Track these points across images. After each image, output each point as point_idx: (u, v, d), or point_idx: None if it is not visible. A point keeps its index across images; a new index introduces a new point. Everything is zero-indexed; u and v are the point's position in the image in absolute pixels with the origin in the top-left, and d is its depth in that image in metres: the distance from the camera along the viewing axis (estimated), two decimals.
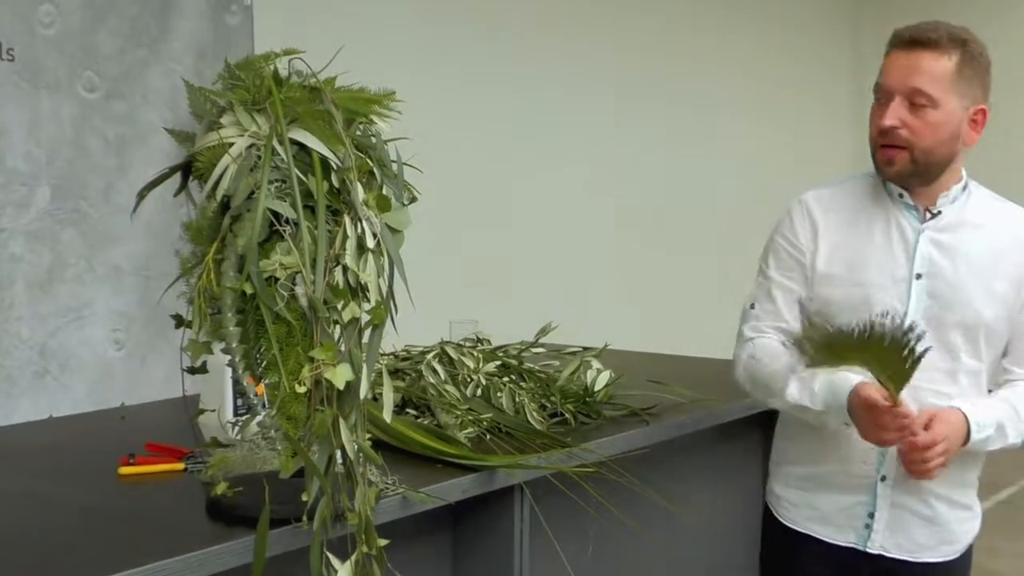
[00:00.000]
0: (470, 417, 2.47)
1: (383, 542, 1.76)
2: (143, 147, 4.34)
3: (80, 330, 4.25)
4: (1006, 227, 2.34)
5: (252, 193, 1.63)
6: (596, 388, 2.72)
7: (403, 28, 5.71)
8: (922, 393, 2.24)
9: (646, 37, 7.41)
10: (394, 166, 1.79)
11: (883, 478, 2.34)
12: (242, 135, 1.68)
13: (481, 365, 2.66)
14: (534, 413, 2.55)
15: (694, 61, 7.82)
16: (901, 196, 2.35)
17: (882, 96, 2.28)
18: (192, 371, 1.83)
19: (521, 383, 2.66)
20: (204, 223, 1.69)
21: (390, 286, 1.74)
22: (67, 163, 4.17)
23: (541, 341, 3.00)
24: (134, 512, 2.03)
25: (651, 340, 3.85)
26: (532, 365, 2.80)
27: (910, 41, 2.26)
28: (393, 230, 1.75)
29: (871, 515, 2.37)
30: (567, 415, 2.62)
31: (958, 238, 2.31)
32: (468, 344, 2.83)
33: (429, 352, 2.73)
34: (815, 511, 2.46)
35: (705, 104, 7.86)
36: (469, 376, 2.63)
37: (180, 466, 2.25)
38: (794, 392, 2.33)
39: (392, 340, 1.89)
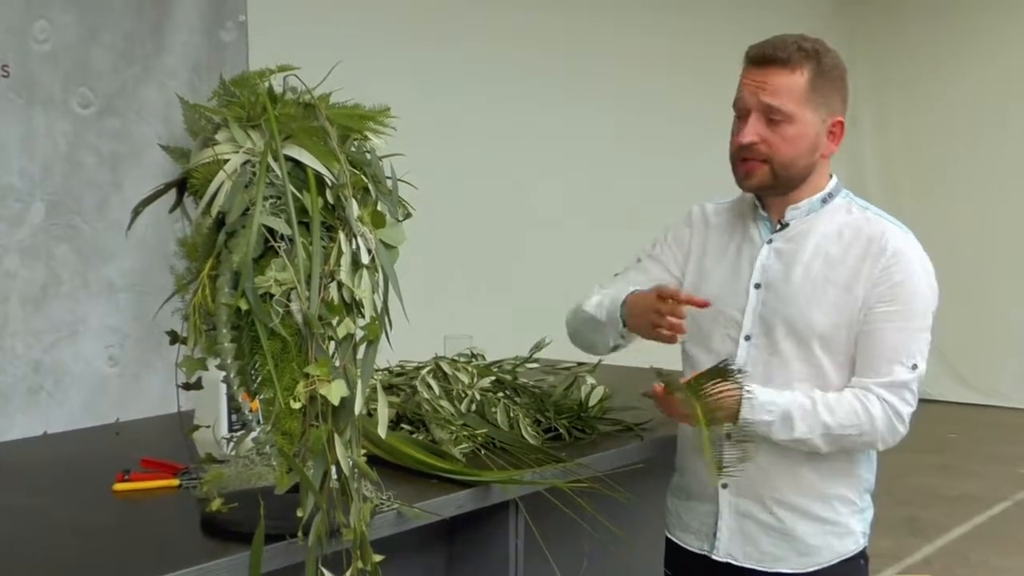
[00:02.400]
0: (465, 432, 2.47)
1: (378, 558, 1.76)
2: (137, 163, 4.35)
3: (74, 346, 4.25)
4: (856, 236, 2.30)
5: (247, 209, 1.64)
6: (590, 403, 2.72)
7: (398, 44, 5.73)
8: None
9: (646, 52, 7.43)
10: (388, 182, 1.80)
11: (724, 485, 2.36)
12: (237, 151, 1.68)
13: (475, 380, 2.66)
14: (528, 428, 2.55)
15: (695, 76, 7.84)
16: (757, 207, 2.39)
17: (740, 112, 2.30)
18: (187, 387, 1.83)
19: (515, 398, 2.66)
20: (199, 239, 1.69)
21: (385, 302, 1.75)
22: (61, 179, 4.18)
23: (535, 356, 3.00)
24: (129, 528, 2.03)
25: (645, 356, 3.84)
26: (526, 380, 2.80)
27: (759, 58, 2.28)
28: (388, 246, 1.75)
29: (716, 523, 2.40)
30: (561, 430, 2.62)
31: (800, 247, 2.32)
32: (462, 359, 2.83)
33: (424, 367, 2.73)
34: (680, 519, 2.53)
35: (707, 120, 7.85)
36: (464, 391, 2.63)
37: (175, 482, 2.24)
38: (591, 303, 2.47)
39: (387, 355, 1.89)
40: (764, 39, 2.33)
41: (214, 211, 1.66)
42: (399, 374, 2.81)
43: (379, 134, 1.79)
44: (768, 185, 2.31)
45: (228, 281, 1.63)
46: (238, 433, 2.32)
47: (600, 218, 7.03)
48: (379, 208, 1.75)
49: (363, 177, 1.74)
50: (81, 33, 4.22)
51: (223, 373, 1.67)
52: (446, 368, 2.70)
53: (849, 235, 2.32)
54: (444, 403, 2.57)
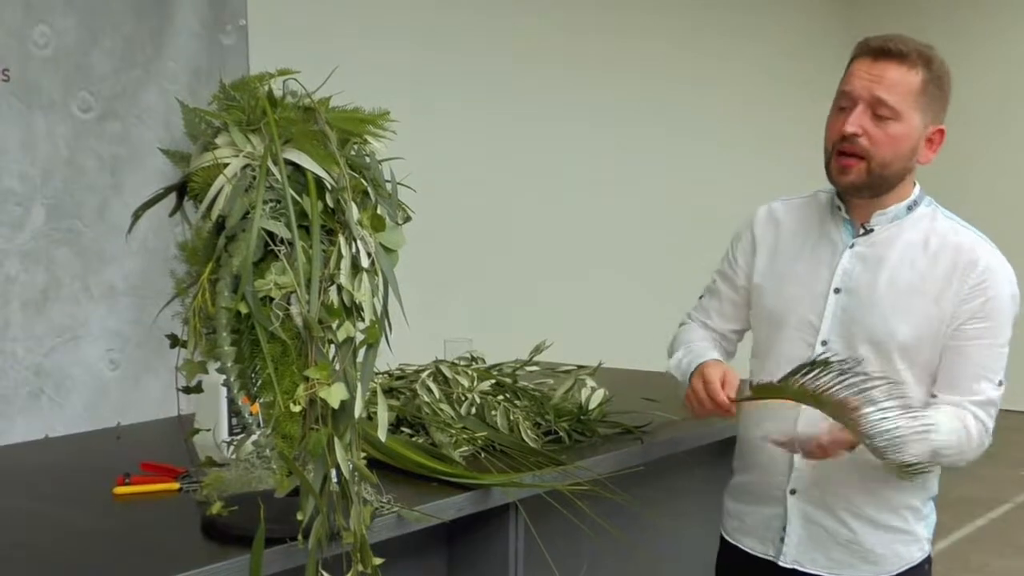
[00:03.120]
0: (464, 435, 2.47)
1: (378, 561, 1.76)
2: (138, 167, 4.35)
3: (75, 350, 4.25)
4: (943, 248, 2.26)
5: (247, 213, 1.64)
6: (590, 406, 2.72)
7: (397, 48, 5.73)
8: None
9: (646, 60, 7.43)
10: (388, 186, 1.80)
11: (792, 491, 2.34)
12: (237, 155, 1.68)
13: (475, 384, 2.66)
14: (528, 431, 2.55)
15: (693, 85, 7.85)
16: (839, 209, 2.33)
17: (845, 102, 2.24)
18: (187, 391, 1.83)
19: (515, 401, 2.66)
20: (199, 243, 1.69)
21: (384, 305, 1.75)
22: (62, 183, 4.18)
23: (535, 359, 3.00)
24: (129, 532, 2.03)
25: (645, 358, 3.85)
26: (526, 383, 2.80)
27: (878, 50, 2.22)
28: (387, 249, 1.75)
29: (784, 528, 2.36)
30: (561, 433, 2.62)
31: (886, 254, 2.28)
32: (462, 363, 2.84)
33: (424, 371, 2.73)
34: (741, 522, 2.48)
35: (704, 127, 7.88)
36: (464, 395, 2.63)
37: (175, 485, 2.25)
38: (673, 360, 2.47)
39: (387, 359, 1.89)
40: (877, 35, 2.27)
41: (214, 215, 1.66)
42: (399, 377, 2.81)
43: (378, 138, 1.79)
44: (862, 184, 2.24)
45: (228, 285, 1.63)
46: (238, 436, 2.32)
47: (600, 221, 7.03)
48: (379, 212, 1.75)
49: (363, 181, 1.74)
50: (81, 37, 4.22)
51: (223, 376, 1.67)
52: (446, 371, 2.71)
53: (936, 245, 2.26)
54: (444, 406, 2.58)
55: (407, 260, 1.80)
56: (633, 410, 2.82)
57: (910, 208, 2.31)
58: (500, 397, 2.65)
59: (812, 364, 2.14)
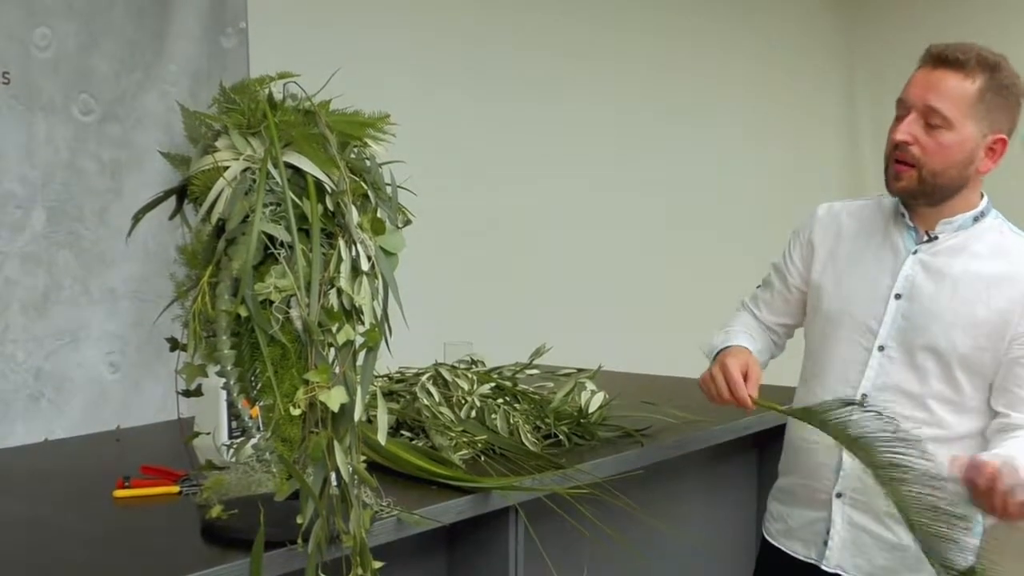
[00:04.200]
0: (464, 439, 2.47)
1: (378, 564, 1.76)
2: (138, 170, 4.34)
3: (75, 353, 4.24)
4: (1012, 262, 2.26)
5: (247, 216, 1.64)
6: (590, 409, 2.72)
7: (398, 51, 5.73)
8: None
9: (647, 59, 7.43)
10: (388, 189, 1.80)
11: (839, 495, 2.34)
12: (237, 158, 1.68)
13: (475, 387, 2.66)
14: (528, 435, 2.55)
15: (695, 84, 7.84)
16: (903, 216, 2.33)
17: (901, 110, 2.25)
18: (187, 394, 1.83)
19: (515, 405, 2.66)
20: (199, 246, 1.69)
21: (384, 308, 1.75)
22: (62, 186, 4.17)
23: (535, 363, 3.00)
24: (129, 535, 2.03)
25: (646, 361, 3.85)
26: (526, 387, 2.80)
27: (937, 58, 2.22)
28: (387, 252, 1.75)
29: (828, 532, 2.36)
30: (561, 437, 2.62)
31: (949, 263, 2.27)
32: (462, 366, 2.83)
33: (423, 374, 2.73)
34: (785, 525, 2.48)
35: (705, 127, 7.87)
36: (463, 398, 2.63)
37: (175, 489, 2.25)
38: (712, 339, 2.54)
39: (386, 362, 1.89)
40: (944, 43, 2.27)
41: (214, 218, 1.66)
42: (399, 380, 2.81)
43: (379, 141, 1.79)
44: (914, 191, 2.25)
45: (228, 288, 1.63)
46: (238, 440, 2.32)
47: (602, 224, 7.02)
48: (379, 215, 1.75)
49: (363, 184, 1.74)
50: (82, 40, 4.22)
51: (223, 380, 1.67)
52: (446, 374, 2.71)
53: (1004, 259, 2.26)
54: (444, 409, 2.58)
55: (407, 263, 1.80)
56: (633, 413, 2.82)
57: (976, 219, 2.30)
58: (500, 400, 2.65)
59: (847, 403, 2.17)
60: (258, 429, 1.76)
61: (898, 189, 2.27)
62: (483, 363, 2.92)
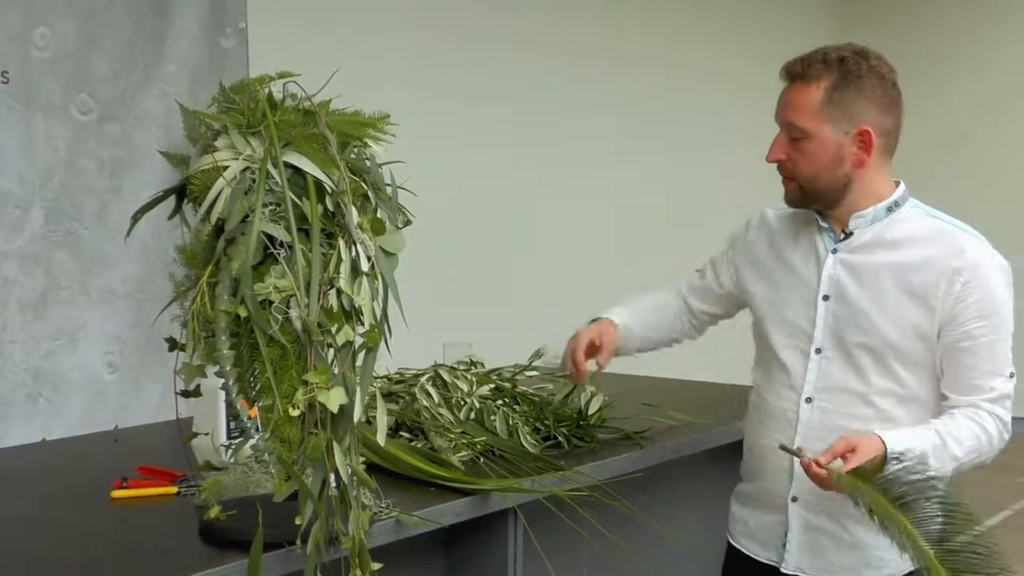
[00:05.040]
0: (464, 440, 2.47)
1: (377, 566, 1.75)
2: (137, 170, 4.34)
3: (73, 353, 4.24)
4: (929, 247, 2.25)
5: (246, 216, 1.63)
6: (590, 411, 2.72)
7: (398, 51, 5.73)
8: (832, 415, 2.27)
9: (647, 61, 7.43)
10: (388, 189, 1.80)
11: (794, 499, 2.34)
12: (236, 158, 1.68)
13: (475, 388, 2.66)
14: (528, 436, 2.55)
15: (695, 85, 7.84)
16: (817, 218, 2.37)
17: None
18: (186, 394, 1.82)
19: (515, 406, 2.66)
20: (198, 246, 1.69)
21: (384, 309, 1.74)
22: (61, 185, 4.17)
23: (535, 364, 2.99)
24: (127, 536, 2.03)
25: (645, 364, 3.84)
26: (526, 388, 2.80)
27: (787, 74, 2.29)
28: (387, 253, 1.75)
29: (786, 534, 2.36)
30: (561, 438, 2.62)
31: (868, 259, 2.29)
32: (462, 367, 2.83)
33: (423, 375, 2.73)
34: (746, 526, 2.48)
35: (705, 129, 7.87)
36: (463, 399, 2.63)
37: (173, 489, 2.24)
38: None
39: (386, 363, 1.89)
40: (799, 55, 2.31)
41: (213, 218, 1.66)
42: (398, 381, 2.81)
43: (379, 141, 1.79)
44: (800, 200, 2.31)
45: (227, 288, 1.63)
46: (237, 440, 2.31)
47: (603, 225, 7.03)
48: (379, 215, 1.75)
49: (363, 184, 1.74)
50: (81, 40, 4.22)
51: (222, 380, 1.67)
52: (445, 376, 2.70)
53: (923, 245, 2.26)
54: (443, 411, 2.57)
55: (407, 264, 1.80)
56: (633, 415, 2.82)
57: (890, 209, 2.31)
58: (499, 402, 2.65)
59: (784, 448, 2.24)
60: (257, 430, 1.76)
61: (788, 201, 2.34)
62: (482, 364, 2.91)
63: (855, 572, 2.33)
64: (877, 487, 2.09)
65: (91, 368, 4.30)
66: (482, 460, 2.43)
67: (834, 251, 2.32)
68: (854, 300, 2.28)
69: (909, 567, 2.30)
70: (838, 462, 2.12)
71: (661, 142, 7.55)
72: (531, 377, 2.97)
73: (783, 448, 2.24)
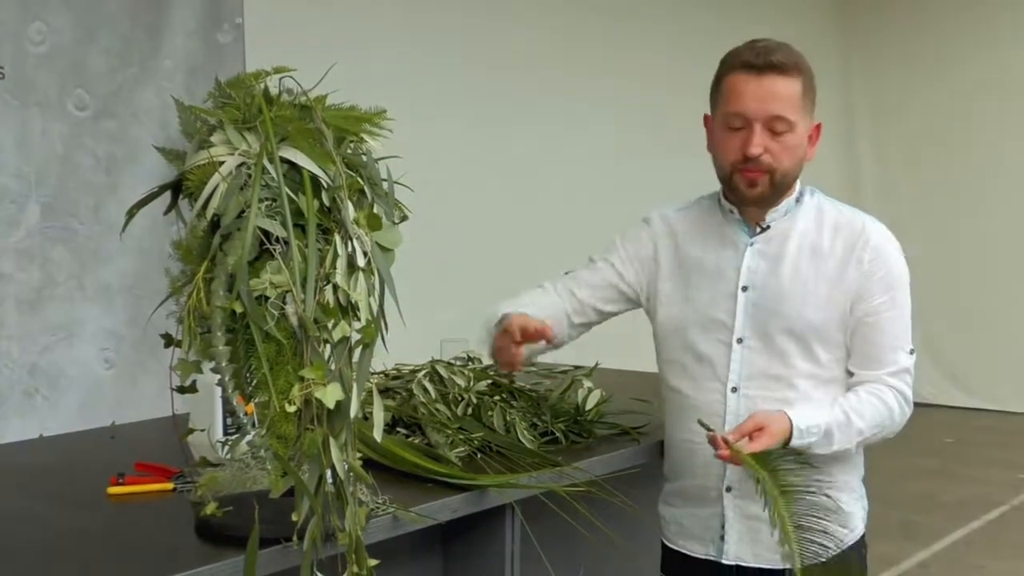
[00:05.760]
0: (461, 436, 2.46)
1: (373, 562, 1.75)
2: (133, 165, 4.34)
3: (70, 349, 4.24)
4: (836, 232, 2.34)
5: (242, 212, 1.63)
6: (587, 407, 2.72)
7: (394, 46, 5.72)
8: (758, 402, 2.31)
9: (645, 60, 7.43)
10: (385, 184, 1.79)
11: (728, 488, 2.36)
12: (232, 154, 1.67)
13: (472, 384, 2.66)
14: (525, 432, 2.54)
15: (695, 85, 7.81)
16: (732, 212, 2.40)
17: (738, 123, 2.29)
18: (181, 390, 1.82)
19: (512, 402, 2.66)
20: (194, 242, 1.68)
21: (381, 304, 1.74)
22: (57, 181, 4.17)
23: (533, 360, 2.99)
24: (123, 532, 2.02)
25: (642, 360, 3.84)
26: (523, 384, 2.80)
27: (764, 66, 2.27)
28: (384, 248, 1.75)
29: (723, 527, 2.38)
30: (558, 434, 2.62)
31: (783, 247, 2.35)
32: (459, 363, 2.83)
33: (420, 371, 2.72)
34: (680, 526, 2.49)
35: (698, 131, 7.87)
36: (460, 395, 2.62)
37: (169, 486, 2.24)
38: (497, 308, 2.46)
39: (382, 359, 1.88)
40: (745, 44, 2.35)
41: (209, 213, 1.65)
42: (395, 377, 2.81)
43: (375, 136, 1.78)
44: (768, 195, 2.33)
45: (223, 284, 1.62)
46: (233, 436, 2.31)
47: (600, 222, 7.02)
48: (375, 210, 1.74)
49: (359, 179, 1.74)
50: (77, 35, 4.21)
51: (218, 376, 1.66)
52: (442, 371, 2.70)
53: (829, 230, 2.35)
54: (440, 407, 2.57)
55: (404, 259, 1.79)
56: (630, 411, 2.82)
57: (798, 199, 2.39)
58: (496, 398, 2.64)
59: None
60: (253, 426, 1.75)
61: (755, 196, 2.32)
62: (480, 360, 2.91)
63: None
64: (772, 468, 2.17)
65: (87, 364, 4.30)
66: (479, 456, 2.42)
67: (751, 243, 2.37)
68: (775, 288, 2.33)
69: (846, 543, 2.37)
70: (743, 441, 2.18)
71: (659, 141, 7.55)
72: (528, 373, 2.97)
73: (700, 423, 2.28)
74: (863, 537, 2.46)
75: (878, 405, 2.30)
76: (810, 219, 2.37)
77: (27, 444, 3.06)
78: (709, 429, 2.25)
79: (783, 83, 2.26)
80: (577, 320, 2.55)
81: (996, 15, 9.30)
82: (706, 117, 2.45)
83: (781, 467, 2.17)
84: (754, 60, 2.28)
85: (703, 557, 2.44)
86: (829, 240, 2.34)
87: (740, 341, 2.34)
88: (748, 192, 2.32)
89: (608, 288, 2.55)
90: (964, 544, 5.89)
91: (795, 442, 2.22)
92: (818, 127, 2.36)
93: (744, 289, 2.35)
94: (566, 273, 2.64)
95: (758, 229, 2.37)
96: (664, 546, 2.56)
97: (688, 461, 2.43)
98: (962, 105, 9.21)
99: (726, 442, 2.18)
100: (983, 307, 8.98)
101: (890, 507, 5.90)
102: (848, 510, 2.40)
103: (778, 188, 2.32)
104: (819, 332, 2.32)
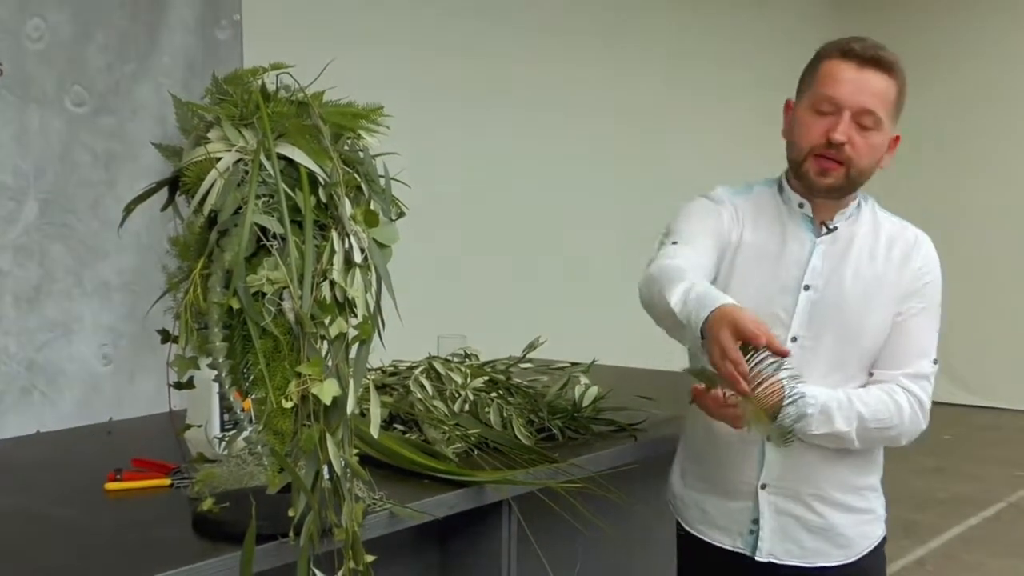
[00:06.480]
0: (457, 432, 2.47)
1: (370, 558, 1.75)
2: (131, 161, 4.34)
3: (68, 345, 4.24)
4: (892, 240, 2.34)
5: (239, 208, 1.63)
6: (584, 403, 2.72)
7: (392, 42, 5.72)
8: None
9: (643, 53, 7.43)
10: (382, 181, 1.79)
11: (763, 486, 2.34)
12: (229, 150, 1.67)
13: (469, 380, 2.66)
14: (522, 428, 2.54)
15: (694, 85, 7.85)
16: (801, 207, 2.35)
17: (827, 107, 2.24)
18: (179, 386, 1.82)
19: (509, 398, 2.66)
20: (191, 238, 1.68)
21: (377, 301, 1.74)
22: (55, 177, 4.17)
23: (529, 356, 2.99)
24: (120, 528, 2.02)
25: (640, 356, 3.85)
26: (520, 380, 2.80)
27: (868, 59, 2.24)
28: (381, 245, 1.75)
29: (755, 521, 2.35)
30: (555, 431, 2.62)
31: (847, 250, 2.32)
32: (456, 359, 2.83)
33: (417, 367, 2.72)
34: (702, 512, 2.45)
35: (704, 129, 7.88)
36: (457, 391, 2.62)
37: (167, 482, 2.24)
38: (676, 292, 2.09)
39: (379, 355, 1.89)
40: (849, 36, 2.29)
41: (206, 209, 1.65)
42: (392, 374, 2.81)
43: (372, 132, 1.78)
44: (839, 187, 2.28)
45: (220, 280, 1.63)
46: (230, 432, 2.31)
47: (595, 219, 7.03)
48: (372, 207, 1.74)
49: (356, 176, 1.74)
50: (75, 31, 4.21)
51: (215, 372, 1.66)
52: (439, 368, 2.70)
53: (885, 237, 2.34)
54: (437, 403, 2.57)
55: (401, 256, 1.79)
56: (627, 407, 2.82)
57: (859, 206, 2.38)
58: (493, 394, 2.64)
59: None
60: (250, 422, 1.75)
61: (824, 185, 2.27)
62: (477, 357, 2.91)
63: (826, 555, 2.36)
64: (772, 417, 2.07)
65: (85, 360, 4.30)
66: (476, 452, 2.43)
67: (817, 243, 2.33)
68: (836, 291, 2.30)
69: (873, 541, 2.42)
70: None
71: (660, 140, 7.56)
72: (525, 369, 2.97)
73: (688, 372, 2.20)
74: (885, 535, 2.48)
75: (886, 400, 2.27)
76: (867, 223, 2.36)
77: (24, 440, 3.06)
78: (711, 382, 2.09)
79: (882, 80, 2.24)
80: None
81: (992, 17, 9.31)
82: (788, 103, 2.37)
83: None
84: (859, 50, 2.24)
85: (729, 548, 2.40)
86: (886, 248, 2.33)
87: (794, 340, 2.29)
88: (817, 180, 2.27)
89: (710, 268, 2.34)
90: (961, 541, 5.89)
91: (788, 409, 2.07)
92: (897, 139, 2.32)
93: (806, 288, 2.31)
94: (674, 244, 2.34)
95: (824, 229, 2.34)
96: (684, 531, 2.50)
97: (724, 452, 2.38)
98: (960, 105, 9.22)
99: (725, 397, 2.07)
100: (982, 305, 8.99)
101: (888, 504, 5.90)
102: (872, 508, 2.42)
103: (849, 184, 2.28)
104: (873, 338, 2.30)
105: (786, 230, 2.36)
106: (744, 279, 2.35)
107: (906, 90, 2.29)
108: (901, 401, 2.27)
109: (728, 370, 1.94)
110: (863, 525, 2.40)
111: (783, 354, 1.99)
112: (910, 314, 2.31)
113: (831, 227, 2.34)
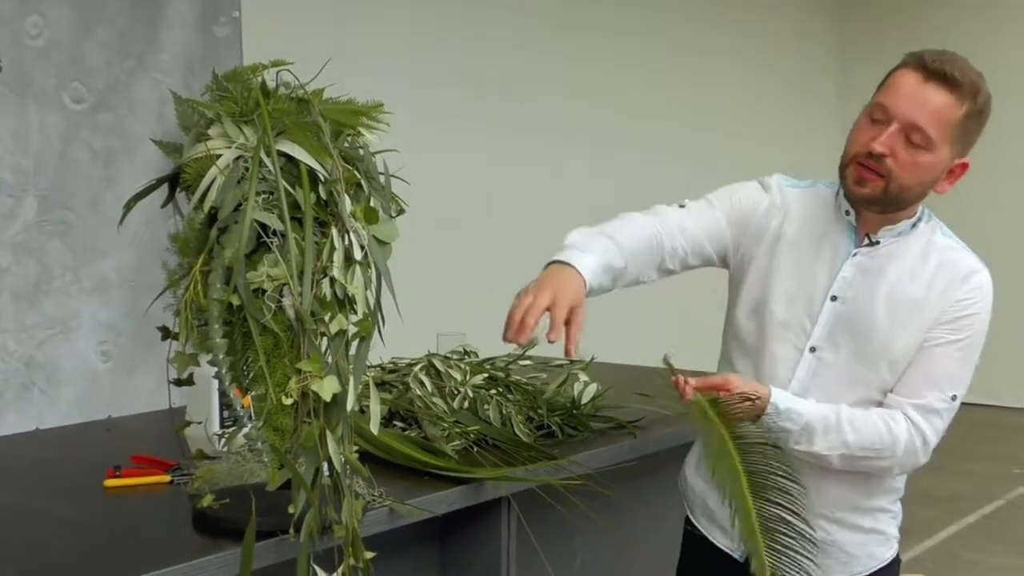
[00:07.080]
0: (457, 429, 2.47)
1: (370, 555, 1.75)
2: (130, 158, 4.33)
3: (67, 342, 4.24)
4: (940, 267, 2.21)
5: (239, 205, 1.63)
6: (583, 401, 2.72)
7: (392, 39, 5.72)
8: None
9: (645, 61, 7.43)
10: (382, 178, 1.79)
11: None
12: (229, 147, 1.67)
13: (468, 377, 2.66)
14: (521, 426, 2.54)
15: (694, 85, 7.85)
16: (848, 214, 2.26)
17: (880, 115, 2.14)
18: (178, 383, 1.82)
19: (508, 396, 2.66)
20: (191, 235, 1.68)
21: (377, 298, 1.74)
22: (54, 174, 4.16)
23: (528, 354, 2.99)
24: (119, 525, 2.02)
25: (639, 354, 3.84)
26: (519, 377, 2.80)
27: (933, 72, 2.11)
28: (381, 242, 1.75)
29: None
30: (554, 428, 2.62)
31: (885, 267, 2.22)
32: (455, 356, 2.83)
33: (416, 364, 2.73)
34: (705, 505, 2.42)
35: (703, 129, 7.88)
36: (456, 388, 2.62)
37: (166, 478, 2.24)
38: (580, 231, 2.36)
39: (379, 352, 1.89)
40: (933, 50, 2.16)
41: (206, 206, 1.65)
42: (392, 371, 2.81)
43: (372, 129, 1.78)
44: (874, 199, 2.16)
45: (220, 277, 1.63)
46: (230, 429, 2.31)
47: (595, 215, 7.03)
48: (372, 204, 1.75)
49: (356, 173, 1.74)
50: (74, 28, 4.21)
51: (215, 369, 1.66)
52: (439, 365, 2.70)
53: (935, 262, 2.22)
54: (437, 400, 2.57)
55: (401, 253, 1.80)
56: (626, 405, 2.82)
57: (914, 225, 2.25)
58: (493, 391, 2.64)
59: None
60: (250, 418, 1.76)
61: (859, 195, 2.18)
62: (476, 354, 2.91)
63: (828, 571, 2.28)
64: (727, 425, 2.07)
65: (84, 357, 4.30)
66: (475, 449, 2.43)
67: (854, 254, 2.24)
68: (864, 307, 2.21)
69: (881, 561, 2.36)
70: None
71: (658, 140, 7.56)
72: (525, 366, 2.97)
73: (665, 361, 2.21)
74: (898, 553, 2.42)
75: (881, 428, 2.17)
76: (918, 244, 2.23)
77: (24, 437, 3.06)
78: (674, 370, 2.16)
79: (943, 98, 2.09)
80: (663, 264, 2.36)
81: (992, 16, 9.31)
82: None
83: (745, 436, 2.07)
84: (928, 63, 2.12)
85: (731, 553, 2.36)
86: (932, 273, 2.21)
87: (813, 350, 2.24)
88: (854, 188, 2.17)
89: (711, 241, 2.34)
90: (958, 539, 5.90)
91: (770, 420, 2.12)
92: (964, 166, 2.19)
93: (833, 299, 2.23)
94: (680, 206, 2.39)
95: (867, 241, 2.24)
96: (689, 524, 2.48)
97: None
98: None
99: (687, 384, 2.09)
100: None
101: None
102: (882, 529, 2.36)
103: (888, 199, 2.15)
104: (894, 362, 2.20)
105: (827, 234, 2.27)
106: (780, 275, 2.28)
107: (983, 114, 2.16)
108: (898, 431, 2.18)
109: (514, 316, 2.15)
110: (871, 545, 2.34)
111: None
112: (935, 343, 2.18)
113: (873, 240, 2.24)
